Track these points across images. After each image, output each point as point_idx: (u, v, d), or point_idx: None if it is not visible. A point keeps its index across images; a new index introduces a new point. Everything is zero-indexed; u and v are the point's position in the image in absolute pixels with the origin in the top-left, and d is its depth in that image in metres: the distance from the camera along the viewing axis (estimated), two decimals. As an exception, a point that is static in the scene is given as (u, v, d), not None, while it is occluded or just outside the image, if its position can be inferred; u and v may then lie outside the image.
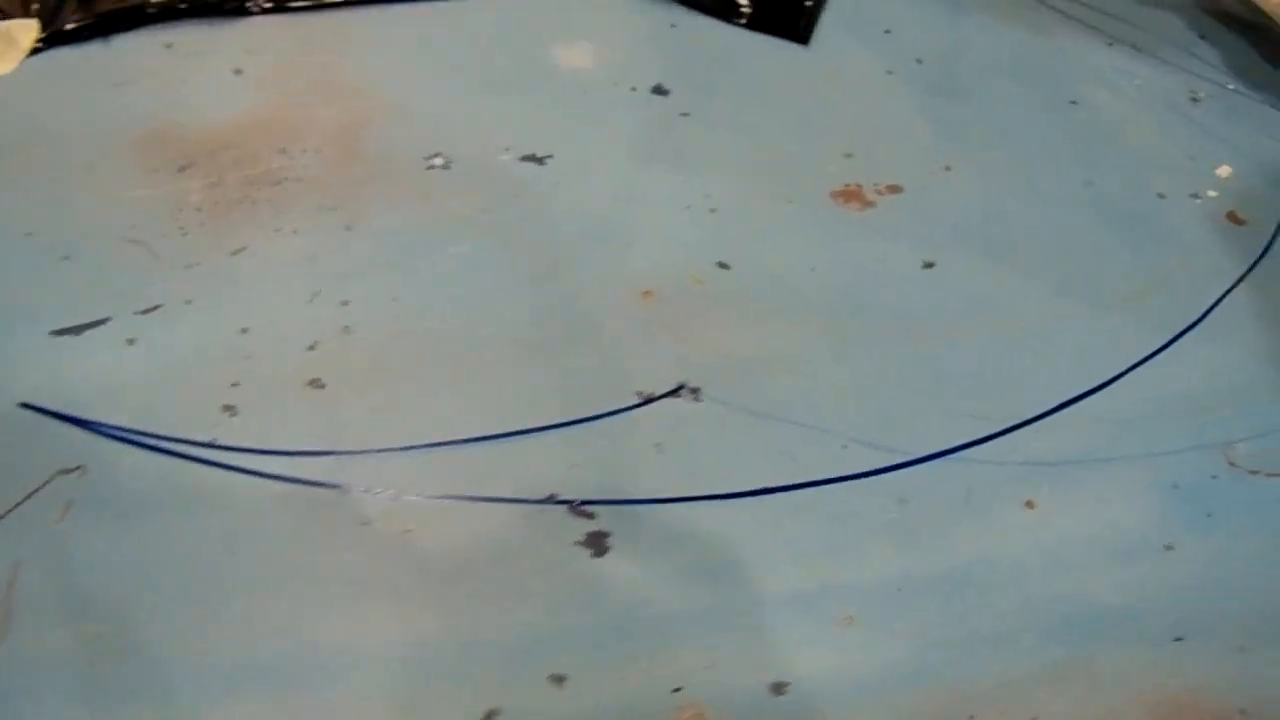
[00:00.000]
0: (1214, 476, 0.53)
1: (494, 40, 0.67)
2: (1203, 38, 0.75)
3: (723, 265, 0.57)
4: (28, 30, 0.68)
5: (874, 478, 0.51)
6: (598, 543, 0.48)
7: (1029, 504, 0.51)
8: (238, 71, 0.66)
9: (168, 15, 0.69)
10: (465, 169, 0.61)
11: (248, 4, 0.70)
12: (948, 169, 0.62)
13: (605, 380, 0.53)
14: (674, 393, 0.53)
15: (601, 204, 0.59)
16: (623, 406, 0.52)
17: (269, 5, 0.69)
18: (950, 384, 0.54)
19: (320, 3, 0.69)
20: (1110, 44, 0.72)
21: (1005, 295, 0.58)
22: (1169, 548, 0.50)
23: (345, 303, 0.55)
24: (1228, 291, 0.60)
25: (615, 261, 0.57)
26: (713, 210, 0.59)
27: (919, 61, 0.68)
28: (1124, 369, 0.56)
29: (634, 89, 0.64)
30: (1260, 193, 0.65)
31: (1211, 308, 0.59)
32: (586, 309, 0.55)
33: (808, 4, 0.69)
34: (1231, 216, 0.63)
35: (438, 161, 0.61)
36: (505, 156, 0.61)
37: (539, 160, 0.61)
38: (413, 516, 0.49)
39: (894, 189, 0.61)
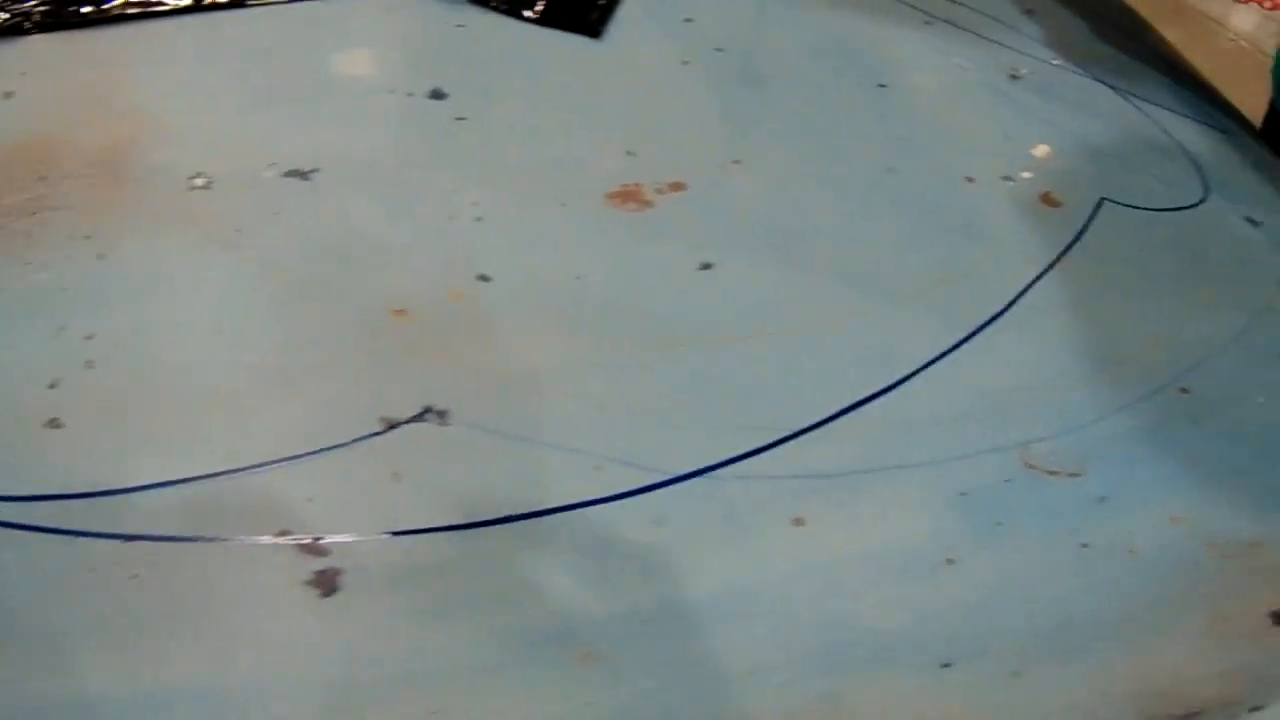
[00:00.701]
0: (1008, 480, 0.49)
1: (273, 50, 0.63)
2: (1029, 12, 0.71)
3: (484, 278, 0.53)
4: None
5: (628, 500, 0.47)
6: (327, 582, 0.45)
7: (797, 521, 0.47)
8: (7, 95, 0.63)
9: (-59, 39, 0.65)
10: (227, 188, 0.57)
11: (25, 23, 0.66)
12: (737, 163, 0.59)
13: (350, 408, 0.49)
14: (419, 417, 0.49)
15: (362, 218, 0.56)
16: (362, 435, 0.48)
17: (47, 22, 0.66)
18: (723, 394, 0.50)
19: (103, 16, 0.66)
20: (928, 22, 0.68)
21: (790, 295, 0.54)
22: (950, 562, 0.46)
23: (90, 337, 0.52)
24: (1035, 279, 0.56)
25: (370, 280, 0.53)
26: (478, 219, 0.55)
27: (719, 50, 0.64)
28: (914, 369, 0.52)
29: (410, 94, 0.61)
30: (1079, 170, 0.61)
31: (1016, 298, 0.55)
32: (337, 332, 0.52)
33: (602, -5, 0.65)
34: (1046, 198, 0.60)
35: (199, 182, 0.57)
36: (269, 173, 0.57)
37: (303, 175, 0.57)
38: (141, 560, 0.45)
39: (676, 187, 0.57)
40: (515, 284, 0.53)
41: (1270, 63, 0.77)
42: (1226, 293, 0.58)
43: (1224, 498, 0.50)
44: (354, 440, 0.48)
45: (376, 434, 0.49)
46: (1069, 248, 0.58)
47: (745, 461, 0.48)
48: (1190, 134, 0.66)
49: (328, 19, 0.65)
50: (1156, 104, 0.67)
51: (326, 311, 0.53)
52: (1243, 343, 0.56)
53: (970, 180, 0.60)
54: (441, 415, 0.49)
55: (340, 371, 0.51)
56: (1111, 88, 0.67)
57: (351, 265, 0.54)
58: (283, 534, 0.46)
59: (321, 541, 0.46)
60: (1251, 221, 0.62)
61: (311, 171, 0.57)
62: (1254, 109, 0.82)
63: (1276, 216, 0.63)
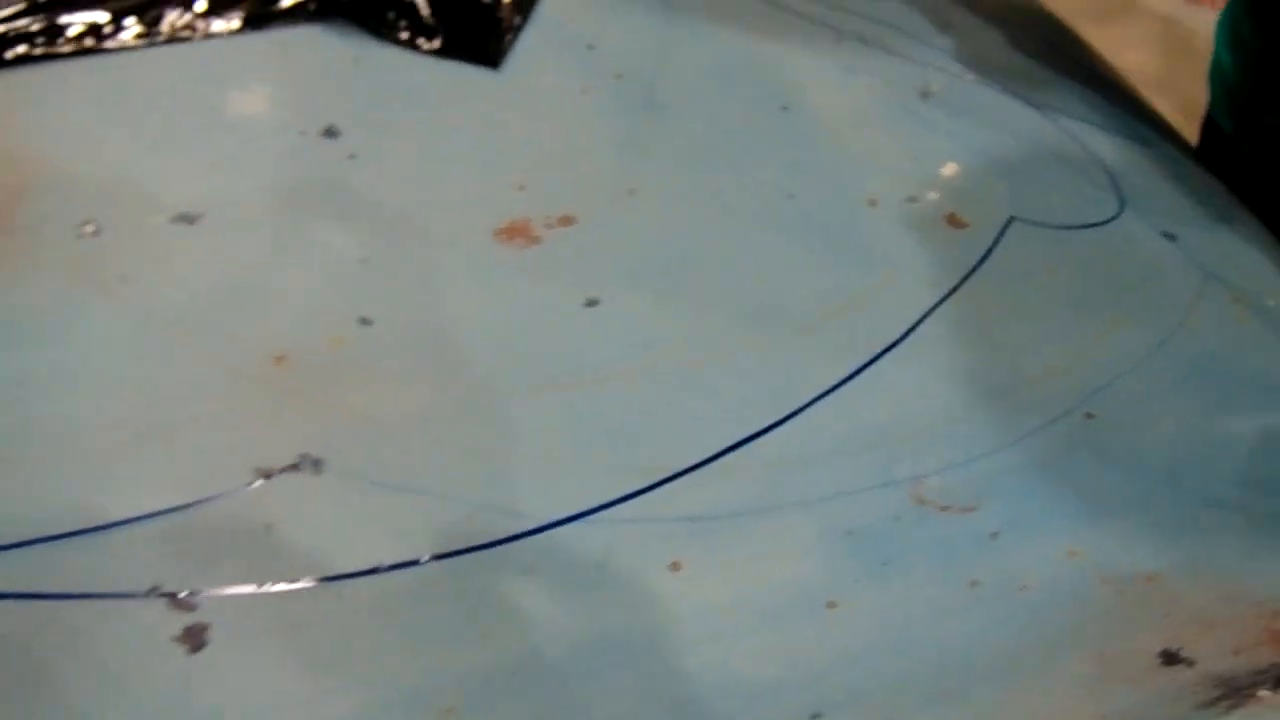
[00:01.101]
0: (897, 517, 0.48)
1: (169, 91, 0.63)
2: (946, 26, 0.69)
3: (365, 321, 0.52)
4: None
5: (499, 548, 0.46)
6: (195, 637, 0.44)
7: (674, 566, 0.46)
8: (-102, 147, 0.62)
9: None
10: (116, 235, 0.56)
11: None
12: (630, 193, 0.57)
13: (225, 458, 0.48)
14: (293, 467, 0.48)
15: (247, 262, 0.55)
16: (237, 486, 0.48)
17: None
18: (604, 435, 0.49)
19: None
20: (838, 41, 0.67)
21: (678, 330, 0.53)
22: (832, 605, 0.45)
23: (-28, 391, 0.51)
24: (936, 305, 0.55)
25: (252, 326, 0.52)
26: (363, 261, 0.54)
27: (619, 77, 0.63)
28: (804, 403, 0.51)
29: (303, 133, 0.60)
30: (988, 189, 0.60)
31: (915, 325, 0.54)
32: (216, 380, 0.51)
33: (503, 24, 0.64)
34: (951, 219, 0.58)
35: (88, 229, 0.56)
36: (158, 218, 0.57)
37: (190, 220, 0.56)
38: (7, 620, 0.44)
39: (566, 220, 0.56)
40: (396, 327, 0.52)
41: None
42: (1139, 311, 0.57)
43: (1124, 529, 0.49)
44: (228, 492, 0.48)
45: (250, 485, 0.48)
46: (973, 271, 0.56)
47: (623, 505, 0.47)
48: (1108, 147, 0.65)
49: (225, 58, 0.64)
50: (1074, 117, 0.66)
51: (206, 360, 0.52)
52: (1154, 363, 0.55)
53: (872, 203, 0.58)
54: (317, 464, 0.48)
55: (217, 421, 0.50)
56: (1027, 102, 0.66)
57: (233, 311, 0.53)
58: (152, 590, 0.45)
59: (190, 596, 0.45)
60: (1168, 236, 0.60)
61: (199, 216, 0.56)
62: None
63: (1193, 229, 0.61)
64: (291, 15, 0.65)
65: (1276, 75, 0.70)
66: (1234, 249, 0.62)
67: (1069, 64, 0.70)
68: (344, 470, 0.48)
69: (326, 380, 0.51)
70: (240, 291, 0.54)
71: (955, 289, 0.55)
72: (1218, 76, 0.77)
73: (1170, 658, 0.44)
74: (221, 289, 0.54)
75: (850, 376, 0.52)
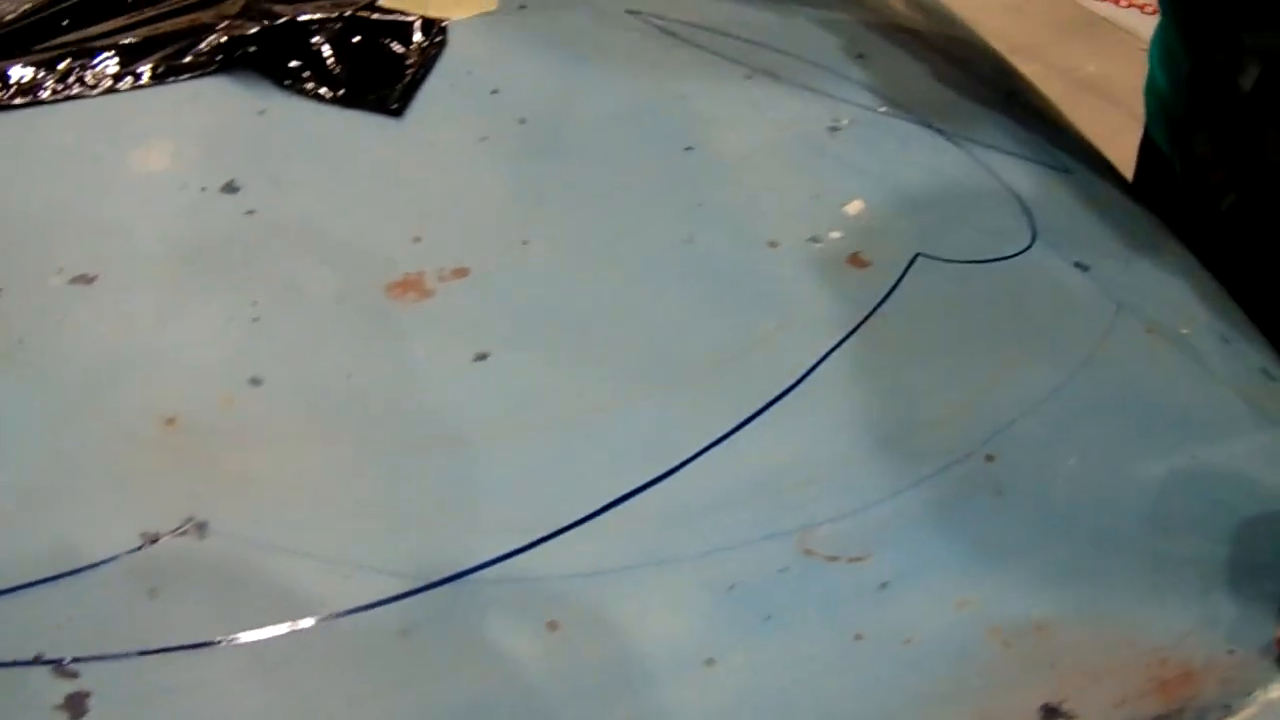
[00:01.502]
0: (783, 569, 0.47)
1: (73, 148, 0.63)
2: (860, 57, 0.68)
3: (255, 381, 0.52)
4: None
5: (380, 609, 0.46)
6: (77, 705, 0.43)
7: (552, 625, 0.45)
8: None
9: None
10: (15, 297, 0.56)
11: None
12: (525, 243, 0.57)
13: (111, 523, 0.48)
14: (178, 531, 0.48)
15: (140, 324, 0.55)
16: (122, 550, 0.48)
17: None
18: (489, 492, 0.49)
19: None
20: (749, 76, 0.66)
21: (566, 383, 0.52)
22: (710, 663, 0.45)
23: None
24: (833, 349, 0.54)
25: (143, 388, 0.52)
26: (255, 320, 0.54)
27: (521, 122, 0.63)
28: (692, 454, 0.50)
29: (204, 189, 0.60)
30: (894, 225, 0.59)
31: (810, 370, 0.53)
32: (105, 444, 0.51)
33: (408, 70, 0.64)
34: (854, 259, 0.57)
35: (-12, 293, 0.57)
36: (56, 280, 0.57)
37: (88, 281, 0.56)
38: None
39: (460, 273, 0.55)
40: (286, 387, 0.52)
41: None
42: (1047, 346, 0.56)
43: (1018, 576, 0.48)
44: (112, 557, 0.47)
45: (136, 549, 0.48)
46: (873, 311, 0.55)
47: (504, 563, 0.47)
48: (1025, 177, 0.64)
49: (133, 112, 0.64)
50: (991, 147, 0.65)
51: (98, 423, 0.52)
52: (1060, 401, 0.54)
53: (773, 245, 0.58)
54: (201, 528, 0.48)
55: (104, 486, 0.50)
56: (941, 133, 0.65)
57: (126, 374, 0.53)
58: (37, 659, 0.45)
59: (73, 664, 0.45)
60: (1080, 266, 0.59)
61: (96, 276, 0.56)
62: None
63: (1108, 259, 0.60)
64: (199, 67, 0.65)
65: (1205, 95, 0.69)
66: (1152, 278, 0.61)
67: (988, 92, 0.69)
68: (229, 533, 0.48)
69: (215, 442, 0.51)
70: (134, 353, 0.54)
71: (853, 331, 0.54)
72: (1153, 94, 0.76)
73: (1051, 712, 0.43)
74: (116, 351, 0.54)
75: (739, 426, 0.51)
